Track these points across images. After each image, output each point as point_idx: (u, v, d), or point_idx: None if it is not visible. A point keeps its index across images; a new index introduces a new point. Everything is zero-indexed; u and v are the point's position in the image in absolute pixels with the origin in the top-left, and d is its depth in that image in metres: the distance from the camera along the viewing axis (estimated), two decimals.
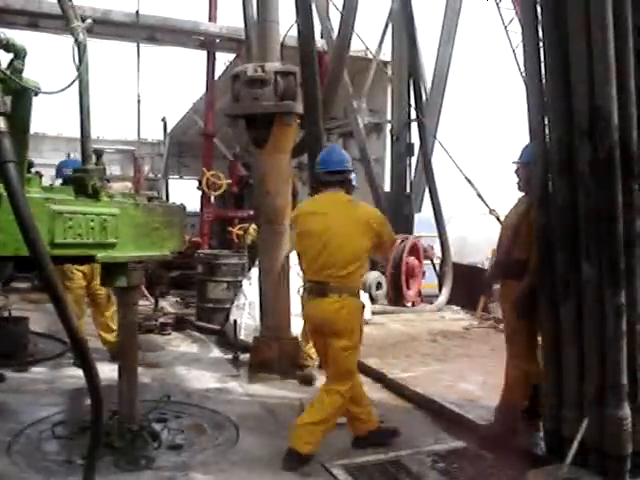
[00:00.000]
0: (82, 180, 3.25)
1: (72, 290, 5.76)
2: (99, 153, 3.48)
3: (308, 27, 4.56)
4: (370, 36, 11.12)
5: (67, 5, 3.10)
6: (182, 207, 4.22)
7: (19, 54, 2.58)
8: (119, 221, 3.38)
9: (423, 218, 10.62)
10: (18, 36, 2.68)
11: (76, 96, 3.27)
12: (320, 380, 5.03)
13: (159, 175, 13.31)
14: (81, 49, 3.14)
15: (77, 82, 3.14)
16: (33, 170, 3.54)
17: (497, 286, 4.95)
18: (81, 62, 3.12)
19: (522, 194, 4.30)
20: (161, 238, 3.73)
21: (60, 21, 8.45)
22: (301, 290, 4.14)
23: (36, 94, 2.67)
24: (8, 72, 2.49)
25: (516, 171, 4.28)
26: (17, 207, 2.20)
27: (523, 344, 4.12)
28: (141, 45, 10.43)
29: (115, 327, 5.48)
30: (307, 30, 4.56)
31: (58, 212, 3.01)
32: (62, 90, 2.76)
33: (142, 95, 10.61)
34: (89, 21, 3.22)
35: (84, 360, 2.27)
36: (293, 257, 6.33)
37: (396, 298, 9.15)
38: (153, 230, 3.65)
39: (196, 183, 11.25)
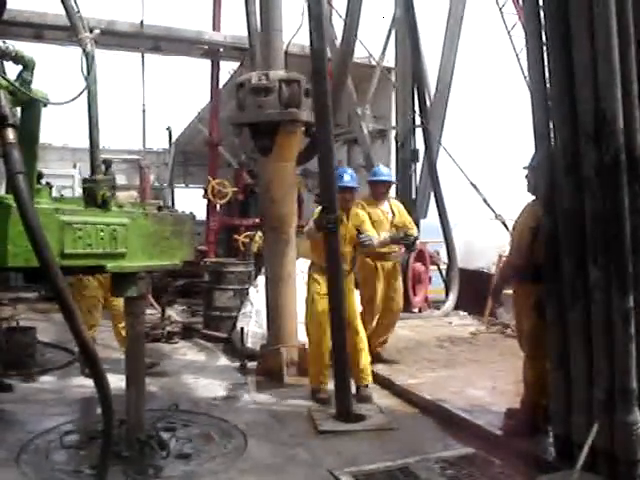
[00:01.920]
0: (91, 190, 3.25)
1: (86, 298, 5.70)
2: (108, 163, 3.48)
3: (321, 43, 4.63)
4: (374, 43, 11.16)
5: (75, 16, 3.12)
6: (192, 216, 4.25)
7: (28, 66, 2.60)
8: (129, 231, 3.39)
9: (429, 224, 10.60)
10: (25, 48, 2.70)
11: (84, 106, 3.29)
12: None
13: (165, 184, 13.34)
14: (89, 60, 3.15)
15: (85, 92, 3.15)
16: (43, 181, 3.56)
17: (507, 291, 4.93)
18: (89, 72, 3.13)
19: (533, 197, 4.33)
20: (171, 247, 3.73)
21: (65, 32, 8.56)
22: None
23: (45, 105, 2.68)
24: (17, 84, 2.50)
25: (526, 175, 4.33)
26: (26, 218, 2.22)
27: (540, 345, 4.10)
28: (146, 55, 10.49)
29: None
30: (320, 46, 4.63)
31: (68, 222, 3.01)
32: (71, 101, 2.77)
33: (147, 105, 10.68)
34: (97, 32, 3.24)
35: (95, 370, 2.27)
36: (300, 264, 6.35)
37: (403, 304, 9.11)
38: (163, 239, 3.66)
39: (202, 191, 11.28)
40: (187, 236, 3.90)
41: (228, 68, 11.64)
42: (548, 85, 3.67)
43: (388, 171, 6.61)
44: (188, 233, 3.93)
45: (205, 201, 11.21)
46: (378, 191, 6.21)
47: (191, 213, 4.30)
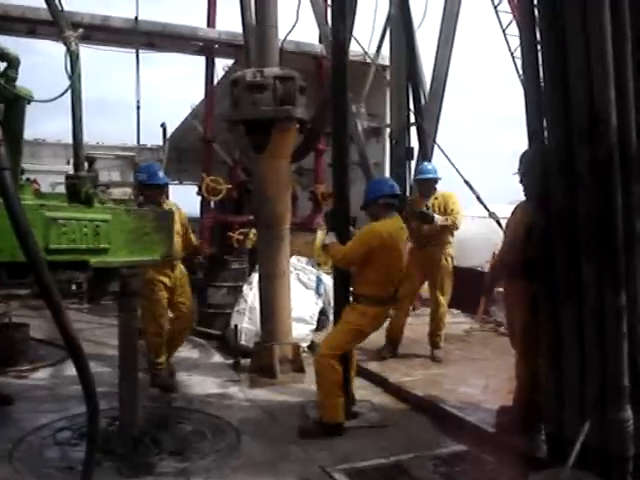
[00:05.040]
0: (75, 187, 3.26)
1: (155, 302, 5.43)
2: (91, 160, 3.49)
3: (342, 36, 4.69)
4: (368, 40, 11.13)
5: (59, 14, 3.11)
6: (171, 212, 4.34)
7: (12, 63, 2.59)
8: (111, 227, 3.41)
9: None
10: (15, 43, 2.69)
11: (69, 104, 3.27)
12: None
13: None
14: (73, 58, 3.14)
15: (70, 91, 3.14)
16: (24, 177, 3.57)
17: (499, 288, 4.92)
18: (73, 71, 3.12)
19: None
20: (152, 243, 3.75)
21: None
22: None
23: (29, 102, 2.67)
24: (2, 81, 2.49)
25: (521, 181, 4.30)
26: (14, 214, 2.19)
27: (532, 342, 4.09)
28: (140, 51, 10.43)
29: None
30: (341, 39, 4.69)
31: (53, 218, 3.02)
32: (54, 99, 2.76)
33: (142, 101, 10.63)
34: (81, 30, 3.23)
35: (80, 366, 2.26)
36: (293, 262, 6.34)
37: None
38: (144, 235, 3.68)
39: (196, 188, 11.25)
40: (167, 232, 3.92)
41: (223, 65, 11.62)
42: (542, 83, 3.66)
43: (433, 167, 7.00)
44: (167, 229, 3.95)
45: (199, 198, 11.19)
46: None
47: (170, 210, 4.34)
